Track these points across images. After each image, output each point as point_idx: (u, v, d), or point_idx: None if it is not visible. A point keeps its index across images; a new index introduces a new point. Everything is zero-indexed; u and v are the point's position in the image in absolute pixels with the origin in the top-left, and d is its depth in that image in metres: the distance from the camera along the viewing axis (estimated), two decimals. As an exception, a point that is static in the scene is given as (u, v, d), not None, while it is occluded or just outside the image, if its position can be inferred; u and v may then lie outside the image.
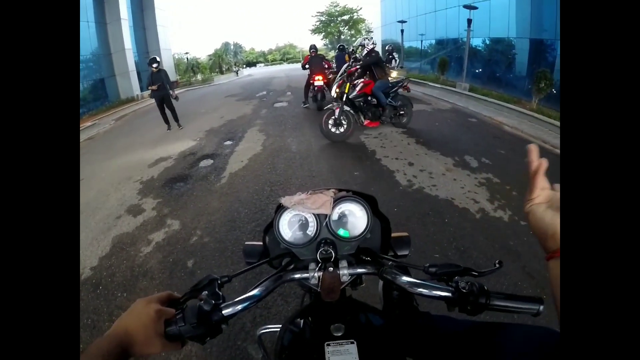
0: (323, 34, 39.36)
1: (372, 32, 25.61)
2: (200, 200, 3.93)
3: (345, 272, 0.74)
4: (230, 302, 0.66)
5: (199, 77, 25.44)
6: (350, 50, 11.76)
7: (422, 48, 16.70)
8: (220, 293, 0.67)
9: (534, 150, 0.59)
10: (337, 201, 0.82)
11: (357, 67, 6.16)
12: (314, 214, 0.82)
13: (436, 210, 3.30)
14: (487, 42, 11.86)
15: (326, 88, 8.38)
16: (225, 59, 35.56)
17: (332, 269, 0.73)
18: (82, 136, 8.35)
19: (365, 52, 6.16)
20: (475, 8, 10.30)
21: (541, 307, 0.58)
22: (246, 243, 0.94)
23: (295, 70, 21.08)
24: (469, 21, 10.18)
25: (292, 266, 0.81)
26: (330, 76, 10.64)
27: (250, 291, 0.70)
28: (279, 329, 0.82)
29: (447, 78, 12.56)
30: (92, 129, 9.22)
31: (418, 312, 1.07)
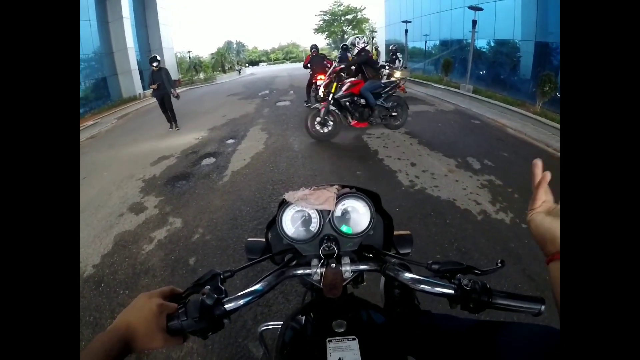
0: (326, 33, 39.39)
1: (375, 31, 25.60)
2: (202, 199, 3.93)
3: (347, 269, 0.75)
4: (232, 296, 0.66)
5: (201, 75, 25.46)
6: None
7: (426, 49, 16.67)
8: (223, 288, 0.67)
9: (538, 164, 0.65)
10: (340, 197, 0.82)
11: (342, 66, 6.11)
12: (317, 210, 0.82)
13: (438, 211, 3.30)
14: (492, 43, 11.80)
15: None
16: (228, 58, 35.61)
17: (334, 265, 0.73)
18: (85, 135, 8.37)
19: (356, 51, 6.11)
20: (480, 9, 10.26)
21: (542, 307, 0.58)
22: (248, 239, 0.95)
23: (298, 69, 21.08)
24: (474, 22, 10.14)
25: (294, 262, 0.81)
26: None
27: (252, 286, 0.70)
28: (280, 326, 0.82)
29: (451, 79, 12.52)
30: (94, 128, 9.23)
31: (419, 310, 1.08)
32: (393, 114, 6.03)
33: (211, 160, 5.30)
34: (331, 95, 5.73)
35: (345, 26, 38.96)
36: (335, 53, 25.60)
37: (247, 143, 6.08)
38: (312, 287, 0.89)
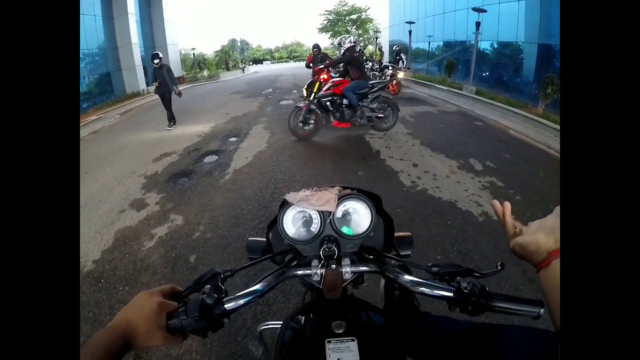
0: (330, 32, 39.27)
1: (379, 32, 25.52)
2: (204, 196, 3.94)
3: (347, 270, 0.75)
4: (232, 296, 0.66)
5: (205, 73, 25.55)
6: (358, 50, 11.70)
7: (430, 50, 16.64)
8: (223, 287, 0.67)
9: (496, 204, 0.71)
10: (341, 199, 0.82)
11: (320, 66, 6.13)
12: (318, 211, 0.82)
13: (439, 212, 3.30)
14: (495, 45, 11.79)
15: None
16: (232, 56, 35.70)
17: (334, 266, 0.73)
18: (87, 130, 8.39)
19: (342, 50, 6.06)
20: (484, 11, 10.24)
21: (542, 310, 0.58)
22: (249, 239, 0.95)
23: (301, 68, 21.09)
24: (478, 24, 10.11)
25: (294, 262, 0.81)
26: (336, 75, 10.62)
27: (252, 286, 0.70)
28: (279, 326, 0.82)
29: (454, 80, 12.50)
30: (97, 123, 9.26)
31: (419, 312, 1.08)
32: (379, 115, 5.92)
33: (213, 157, 5.31)
34: (313, 95, 5.78)
35: (350, 26, 38.83)
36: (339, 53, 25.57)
37: (249, 141, 6.09)
38: (312, 287, 0.89)
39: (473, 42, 10.76)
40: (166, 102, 7.57)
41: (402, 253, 0.92)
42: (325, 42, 41.28)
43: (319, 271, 0.73)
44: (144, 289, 0.65)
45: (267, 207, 3.52)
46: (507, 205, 0.69)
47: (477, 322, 0.79)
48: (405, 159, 4.82)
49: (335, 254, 0.75)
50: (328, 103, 5.86)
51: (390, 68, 11.11)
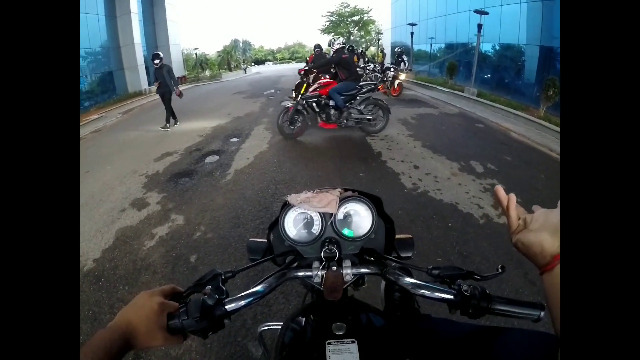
0: (332, 34, 39.30)
1: (382, 33, 25.55)
2: (205, 196, 3.94)
3: (348, 272, 0.75)
4: (233, 297, 0.66)
5: (207, 73, 25.60)
6: (360, 51, 11.72)
7: (432, 51, 16.65)
8: (224, 288, 0.67)
9: (500, 190, 0.67)
10: (342, 201, 0.83)
11: (305, 68, 6.22)
12: (319, 213, 0.82)
13: (440, 215, 3.30)
14: (497, 47, 11.80)
15: None
16: (234, 56, 35.75)
17: (335, 268, 0.73)
18: (89, 128, 8.41)
19: (332, 51, 6.11)
20: (486, 13, 10.24)
21: (542, 313, 0.58)
22: (250, 239, 0.95)
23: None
24: (480, 26, 10.12)
25: (295, 264, 0.81)
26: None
27: (253, 287, 0.70)
28: (279, 327, 0.82)
29: (456, 82, 12.51)
30: (99, 122, 9.28)
31: (419, 314, 1.08)
32: (368, 117, 5.90)
33: (215, 158, 5.31)
34: (300, 96, 5.87)
35: (352, 27, 38.90)
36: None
37: (251, 142, 6.10)
38: (313, 288, 0.89)
39: (475, 44, 10.77)
40: (166, 102, 7.53)
41: (402, 255, 0.92)
42: (327, 43, 41.29)
43: (319, 273, 0.74)
44: (144, 288, 0.65)
45: (268, 207, 3.52)
46: (512, 197, 0.65)
47: (477, 324, 0.79)
48: (407, 161, 4.82)
49: (336, 256, 0.76)
50: (314, 104, 5.94)
51: (392, 70, 11.12)
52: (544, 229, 0.57)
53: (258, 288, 0.70)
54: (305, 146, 5.70)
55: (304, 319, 0.79)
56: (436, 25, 15.60)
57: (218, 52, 36.91)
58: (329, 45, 6.30)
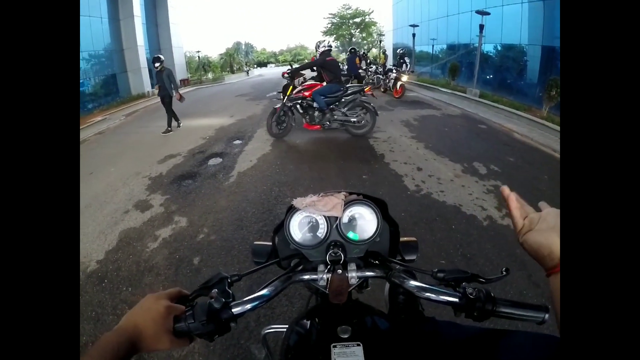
0: (334, 36, 39.38)
1: (383, 35, 25.56)
2: (208, 198, 3.95)
3: (353, 275, 0.75)
4: (239, 301, 0.67)
5: (210, 75, 25.65)
6: (362, 53, 11.72)
7: (433, 52, 16.64)
8: (230, 291, 0.68)
9: (505, 190, 0.67)
10: (348, 204, 0.83)
11: (287, 70, 6.37)
12: (324, 216, 0.82)
13: (443, 216, 3.29)
14: (499, 48, 11.77)
15: None
16: (237, 59, 35.86)
17: (340, 271, 0.74)
18: (93, 130, 8.46)
19: (318, 53, 6.21)
20: (487, 14, 10.24)
21: (546, 316, 0.58)
22: (255, 242, 0.95)
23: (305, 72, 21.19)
24: (481, 27, 10.11)
25: (301, 267, 0.81)
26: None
27: (259, 291, 0.70)
28: (283, 329, 0.82)
29: (458, 83, 12.50)
30: (103, 124, 9.33)
31: (424, 317, 1.07)
32: (352, 119, 6.00)
33: (218, 160, 5.33)
34: (286, 98, 6.12)
35: (354, 29, 38.98)
36: (343, 56, 25.65)
37: (254, 144, 6.11)
38: (317, 291, 0.89)
39: (477, 44, 10.75)
40: (166, 106, 7.50)
41: (407, 258, 0.92)
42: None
43: (325, 276, 0.74)
44: (147, 290, 0.65)
45: (271, 210, 3.52)
46: (513, 196, 0.65)
47: (481, 327, 0.79)
48: (410, 163, 4.81)
49: (341, 259, 0.76)
50: (298, 106, 6.12)
51: (394, 71, 11.13)
52: (552, 230, 0.56)
53: (264, 292, 0.70)
54: (308, 148, 5.71)
55: (309, 322, 0.79)
56: (438, 26, 15.59)
57: (220, 54, 37.06)
58: (316, 49, 6.37)
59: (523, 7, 9.87)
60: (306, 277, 0.77)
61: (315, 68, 7.12)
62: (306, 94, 6.01)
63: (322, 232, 0.82)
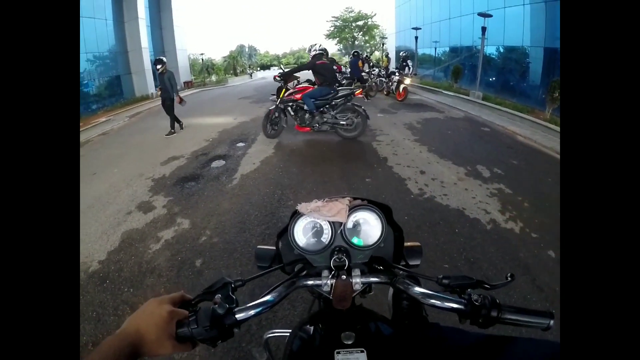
0: (337, 39, 39.47)
1: (386, 38, 25.58)
2: (211, 201, 3.95)
3: (357, 281, 0.74)
4: (243, 306, 0.66)
5: (213, 78, 25.74)
6: (365, 56, 11.69)
7: (436, 55, 16.65)
8: (234, 297, 0.67)
9: None
10: (352, 209, 0.82)
11: (279, 74, 6.54)
12: (329, 222, 0.82)
13: (447, 220, 3.28)
14: (501, 50, 11.76)
15: None
16: (240, 61, 35.97)
17: (345, 277, 0.73)
18: (97, 131, 8.51)
19: (310, 56, 6.35)
20: (490, 16, 10.24)
21: (551, 322, 0.58)
22: (258, 247, 0.95)
23: (308, 74, 21.22)
24: (484, 29, 10.11)
25: (304, 272, 0.81)
26: (343, 81, 10.65)
27: (263, 296, 0.70)
28: (285, 334, 0.82)
29: (461, 86, 12.48)
30: (107, 125, 9.37)
31: (427, 322, 1.06)
32: (341, 122, 6.08)
33: (221, 162, 5.33)
34: (279, 100, 6.33)
35: (356, 32, 39.02)
36: (346, 59, 25.69)
37: (257, 147, 6.12)
38: (321, 296, 0.89)
39: (479, 47, 10.74)
40: (167, 108, 7.48)
41: (411, 263, 0.91)
42: (332, 48, 41.47)
43: (329, 282, 0.73)
44: (149, 291, 0.65)
45: (274, 213, 3.52)
46: None
47: (485, 333, 0.79)
48: (413, 166, 4.80)
49: (345, 265, 0.75)
50: (289, 108, 6.32)
51: (396, 74, 11.13)
52: None
53: (268, 297, 0.70)
54: (312, 152, 5.71)
55: (312, 328, 0.79)
56: (440, 28, 15.60)
57: (224, 57, 37.14)
58: (308, 51, 6.50)
59: (525, 9, 9.86)
60: (310, 282, 0.76)
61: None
62: (297, 96, 6.16)
63: (326, 237, 0.82)
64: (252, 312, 0.66)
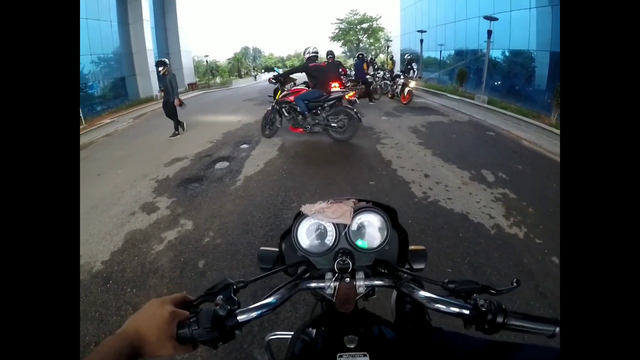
0: (342, 41, 39.51)
1: (391, 41, 25.59)
2: (214, 202, 3.96)
3: (361, 284, 0.74)
4: (245, 308, 0.66)
5: (218, 80, 25.81)
6: (369, 59, 11.70)
7: (441, 58, 16.63)
8: (236, 298, 0.67)
9: None
10: (357, 211, 0.81)
11: (273, 76, 6.75)
12: (333, 224, 0.81)
13: (451, 224, 3.26)
14: (507, 54, 11.72)
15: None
16: (244, 63, 36.12)
17: (348, 279, 0.72)
18: (101, 132, 8.56)
19: (304, 59, 6.50)
20: (495, 19, 10.22)
21: (557, 329, 0.57)
22: (261, 248, 0.94)
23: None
24: (489, 32, 10.09)
25: (307, 274, 0.80)
26: (348, 84, 10.64)
27: (265, 298, 0.69)
28: (287, 336, 0.81)
29: (466, 90, 12.46)
30: (111, 126, 9.42)
31: (431, 327, 1.05)
32: (333, 124, 6.14)
33: (225, 164, 5.34)
34: (275, 101, 6.58)
35: (361, 35, 39.04)
36: (351, 61, 25.72)
37: (261, 149, 6.12)
38: (324, 299, 0.88)
39: (485, 50, 10.71)
40: (167, 111, 7.48)
41: (415, 267, 0.90)
42: (337, 50, 41.51)
43: (332, 284, 0.73)
44: (151, 292, 0.65)
45: (278, 215, 3.52)
46: None
47: (489, 339, 0.78)
48: (417, 170, 4.79)
49: (349, 267, 0.75)
50: (283, 109, 6.51)
51: (401, 77, 11.13)
52: None
53: (270, 299, 0.69)
54: (316, 154, 5.71)
55: (314, 330, 0.78)
56: (445, 32, 15.59)
57: (228, 59, 37.34)
58: (303, 54, 6.64)
59: (531, 12, 9.84)
60: (313, 284, 0.76)
61: None
62: (290, 98, 6.30)
63: (330, 239, 0.81)
64: (253, 314, 0.65)
